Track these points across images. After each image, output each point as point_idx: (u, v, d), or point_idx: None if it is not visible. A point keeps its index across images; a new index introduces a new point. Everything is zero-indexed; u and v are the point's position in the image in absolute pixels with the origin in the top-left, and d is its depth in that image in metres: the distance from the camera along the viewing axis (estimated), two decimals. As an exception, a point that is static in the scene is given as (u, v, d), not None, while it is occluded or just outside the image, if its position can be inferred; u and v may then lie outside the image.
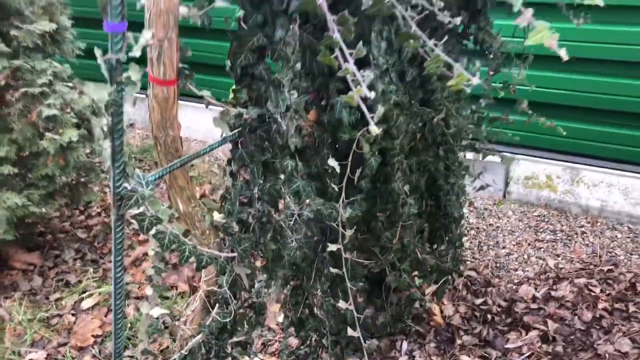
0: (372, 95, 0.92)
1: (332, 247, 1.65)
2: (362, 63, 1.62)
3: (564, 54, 1.01)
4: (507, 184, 3.52)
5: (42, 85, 2.76)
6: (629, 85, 3.09)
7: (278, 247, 1.64)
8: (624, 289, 2.66)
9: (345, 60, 0.95)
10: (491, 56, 2.15)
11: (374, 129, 1.04)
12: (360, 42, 0.95)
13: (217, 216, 1.44)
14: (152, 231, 1.24)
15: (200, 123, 3.96)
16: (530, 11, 0.98)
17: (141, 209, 1.15)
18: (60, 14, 3.00)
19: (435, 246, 2.50)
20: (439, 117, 1.90)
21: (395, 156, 1.92)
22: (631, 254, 2.98)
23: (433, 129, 2.04)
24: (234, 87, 1.36)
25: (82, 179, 3.19)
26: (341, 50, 0.98)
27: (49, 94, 2.79)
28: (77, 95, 2.97)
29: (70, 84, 2.96)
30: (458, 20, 1.35)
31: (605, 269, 2.82)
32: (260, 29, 1.24)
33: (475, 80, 1.11)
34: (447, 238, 2.51)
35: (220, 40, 3.87)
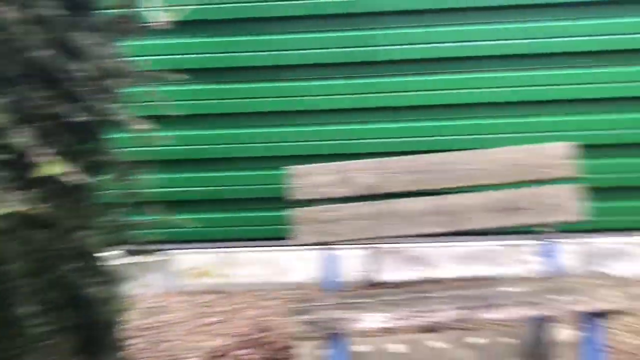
0: None
1: None
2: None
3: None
4: (174, 278, 3.74)
5: None
6: (258, 176, 3.69)
7: None
8: (278, 349, 3.07)
9: None
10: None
11: None
12: None
13: None
14: None
15: None
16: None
17: None
18: None
19: (95, 356, 2.50)
20: (49, 237, 1.98)
21: (12, 280, 1.91)
22: (284, 317, 3.44)
23: (53, 248, 2.09)
24: None
25: None
26: None
27: None
28: None
29: None
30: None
31: (262, 335, 3.21)
32: None
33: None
34: (105, 345, 2.53)
35: None
